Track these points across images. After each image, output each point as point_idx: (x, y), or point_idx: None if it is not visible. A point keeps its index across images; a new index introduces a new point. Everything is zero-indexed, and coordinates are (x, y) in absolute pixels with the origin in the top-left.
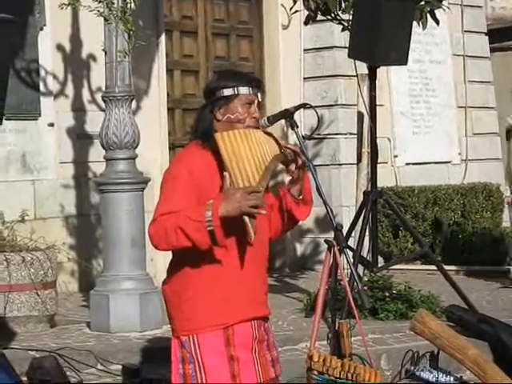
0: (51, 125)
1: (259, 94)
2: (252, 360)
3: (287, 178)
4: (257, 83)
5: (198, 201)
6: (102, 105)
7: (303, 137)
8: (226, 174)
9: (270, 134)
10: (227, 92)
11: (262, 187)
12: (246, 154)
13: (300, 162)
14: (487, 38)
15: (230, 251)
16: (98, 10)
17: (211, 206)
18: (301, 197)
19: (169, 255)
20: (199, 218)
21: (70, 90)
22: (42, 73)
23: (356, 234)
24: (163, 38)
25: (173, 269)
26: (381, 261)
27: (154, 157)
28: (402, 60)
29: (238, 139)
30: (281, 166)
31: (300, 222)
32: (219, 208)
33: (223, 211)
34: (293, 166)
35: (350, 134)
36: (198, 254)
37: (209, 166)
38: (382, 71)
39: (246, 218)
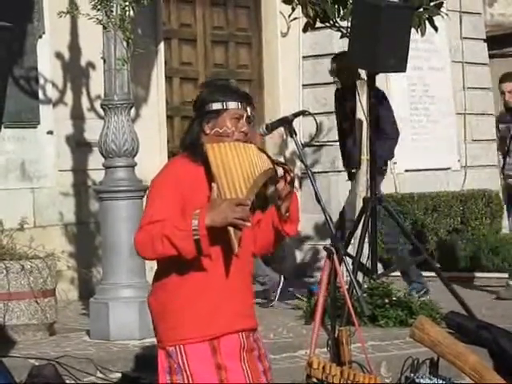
0: (50, 133)
1: (249, 109)
2: (240, 368)
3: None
4: (246, 98)
5: (183, 211)
6: (101, 112)
7: (302, 144)
8: (213, 184)
9: (261, 150)
10: (216, 106)
11: (249, 200)
12: (235, 166)
13: (289, 179)
14: (486, 44)
15: (216, 262)
16: (97, 18)
17: (198, 216)
18: (287, 214)
19: None
20: (185, 228)
21: (69, 97)
22: (41, 81)
23: (355, 240)
24: (162, 45)
25: (158, 280)
26: (380, 268)
27: (152, 165)
28: (401, 67)
29: (228, 151)
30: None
31: (300, 229)
32: (205, 218)
33: (209, 221)
34: (282, 183)
35: None
36: (184, 264)
37: (195, 178)
38: (380, 78)
39: (231, 230)
